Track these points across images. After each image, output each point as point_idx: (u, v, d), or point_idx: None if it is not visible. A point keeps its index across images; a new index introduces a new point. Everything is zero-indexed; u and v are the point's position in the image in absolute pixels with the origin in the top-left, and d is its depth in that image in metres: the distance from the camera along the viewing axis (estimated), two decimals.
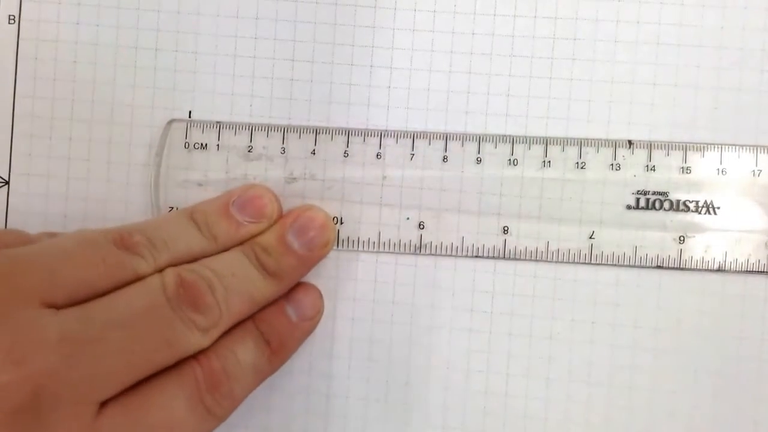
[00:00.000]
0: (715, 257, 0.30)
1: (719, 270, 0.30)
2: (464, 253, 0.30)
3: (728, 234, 0.30)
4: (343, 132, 0.31)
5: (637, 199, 0.30)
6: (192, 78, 0.31)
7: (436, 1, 0.31)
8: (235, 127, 0.31)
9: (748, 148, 0.30)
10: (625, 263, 0.30)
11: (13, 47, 0.32)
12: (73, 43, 0.32)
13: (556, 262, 0.30)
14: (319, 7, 0.31)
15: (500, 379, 0.30)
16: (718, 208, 0.30)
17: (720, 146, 0.30)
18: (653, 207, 0.30)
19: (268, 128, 0.31)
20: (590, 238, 0.30)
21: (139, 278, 0.25)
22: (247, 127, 0.31)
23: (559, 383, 0.30)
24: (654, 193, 0.30)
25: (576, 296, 0.30)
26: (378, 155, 0.31)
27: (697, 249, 0.30)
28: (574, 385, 0.30)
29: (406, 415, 0.31)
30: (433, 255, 0.30)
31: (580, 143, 0.30)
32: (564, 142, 0.30)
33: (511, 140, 0.30)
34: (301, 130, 0.31)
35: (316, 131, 0.31)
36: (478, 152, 0.30)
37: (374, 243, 0.31)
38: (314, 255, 0.29)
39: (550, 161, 0.30)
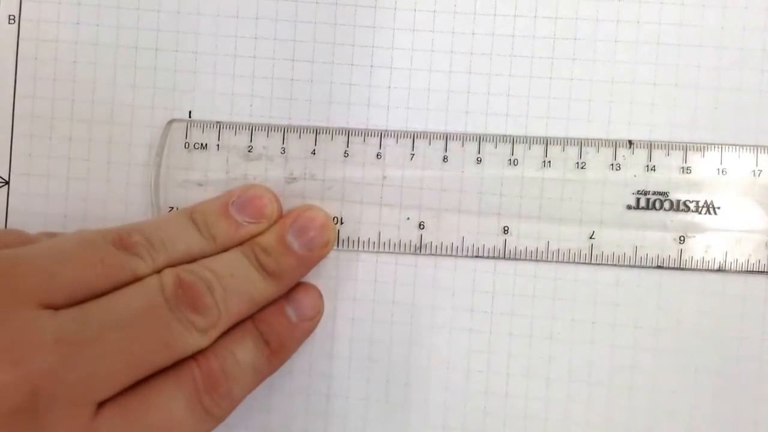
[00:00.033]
0: (715, 257, 0.30)
1: (719, 270, 0.30)
2: (464, 253, 0.30)
3: (728, 234, 0.30)
4: (344, 132, 0.31)
5: (638, 199, 0.30)
6: (192, 78, 0.31)
7: (436, 1, 0.31)
8: (235, 127, 0.31)
9: (748, 148, 0.30)
10: (626, 263, 0.30)
11: (13, 47, 0.32)
12: (73, 43, 0.31)
13: (556, 262, 0.30)
14: (319, 7, 0.31)
15: (500, 379, 0.30)
16: (719, 208, 0.30)
17: (720, 146, 0.30)
18: (653, 207, 0.30)
19: (269, 128, 0.31)
20: (590, 238, 0.30)
21: (137, 279, 0.25)
22: (247, 127, 0.31)
23: (559, 383, 0.30)
24: (654, 193, 0.30)
25: (576, 296, 0.30)
26: (378, 155, 0.30)
27: (698, 249, 0.30)
28: (574, 385, 0.30)
29: (406, 415, 0.30)
30: (433, 255, 0.30)
31: (581, 143, 0.30)
32: (564, 142, 0.30)
33: (512, 140, 0.30)
34: (301, 130, 0.31)
35: (317, 131, 0.31)
36: (479, 152, 0.30)
37: (374, 243, 0.30)
38: (314, 255, 0.29)
39: (550, 161, 0.30)
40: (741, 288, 0.30)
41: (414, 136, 0.30)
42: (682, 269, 0.30)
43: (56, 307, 0.24)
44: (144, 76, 0.31)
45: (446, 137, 0.30)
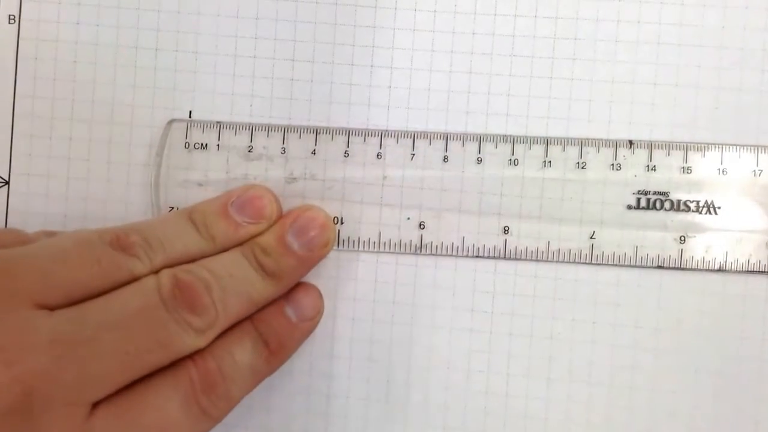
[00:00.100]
0: (715, 257, 0.29)
1: (720, 270, 0.29)
2: (465, 253, 0.30)
3: (729, 234, 0.29)
4: (344, 132, 0.30)
5: (638, 199, 0.30)
6: (192, 78, 0.31)
7: (436, 0, 0.30)
8: (235, 127, 0.31)
9: (748, 148, 0.29)
10: (626, 263, 0.30)
11: (13, 47, 0.31)
12: (73, 43, 0.31)
13: (556, 262, 0.30)
14: (319, 6, 0.31)
15: (501, 379, 0.30)
16: (719, 208, 0.29)
17: (721, 146, 0.30)
18: (654, 207, 0.30)
19: (269, 128, 0.31)
20: (591, 238, 0.30)
21: (134, 279, 0.25)
22: (247, 127, 0.31)
23: (559, 383, 0.30)
24: (655, 193, 0.30)
25: (577, 296, 0.30)
26: (378, 155, 0.30)
27: (698, 249, 0.29)
28: (574, 385, 0.30)
29: (407, 415, 0.30)
30: (433, 255, 0.30)
31: (581, 143, 0.30)
32: (565, 142, 0.30)
33: (512, 140, 0.30)
34: (301, 130, 0.30)
35: (317, 131, 0.30)
36: (479, 152, 0.30)
37: (375, 243, 0.30)
38: (314, 255, 0.28)
39: (550, 161, 0.30)
40: (741, 288, 0.29)
41: (414, 136, 0.30)
42: (683, 269, 0.29)
43: (52, 308, 0.23)
44: (144, 76, 0.31)
45: (447, 137, 0.30)
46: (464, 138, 0.30)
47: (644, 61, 0.30)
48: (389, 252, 0.30)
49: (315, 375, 0.30)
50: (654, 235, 0.29)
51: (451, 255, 0.30)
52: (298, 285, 0.29)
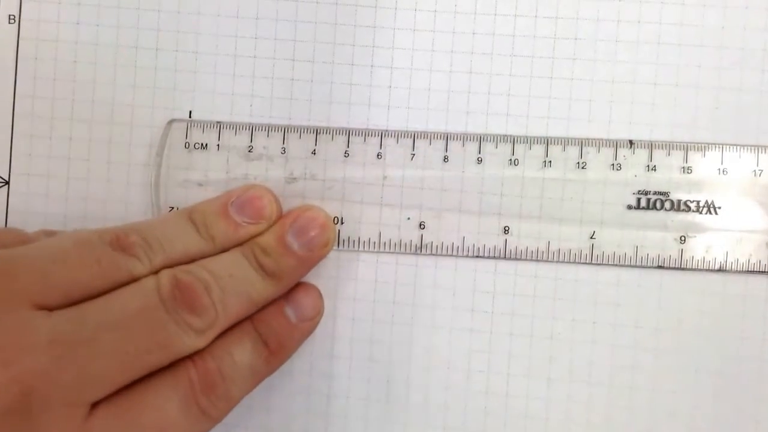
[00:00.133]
0: (716, 257, 0.29)
1: (720, 270, 0.29)
2: (465, 253, 0.30)
3: (729, 234, 0.29)
4: (344, 132, 0.30)
5: (638, 199, 0.29)
6: (192, 78, 0.31)
7: (436, 0, 0.30)
8: (235, 127, 0.30)
9: (749, 147, 0.29)
10: (626, 263, 0.29)
11: (13, 47, 0.31)
12: (73, 43, 0.31)
13: (557, 262, 0.30)
14: (319, 6, 0.31)
15: (501, 379, 0.30)
16: (719, 208, 0.29)
17: (721, 146, 0.29)
18: (654, 207, 0.29)
19: (269, 128, 0.30)
20: (591, 238, 0.30)
21: (134, 279, 0.25)
22: (247, 127, 0.30)
23: (560, 383, 0.30)
24: (655, 193, 0.29)
25: (577, 296, 0.30)
26: (379, 155, 0.30)
27: (698, 249, 0.29)
28: (575, 385, 0.30)
29: (407, 415, 0.30)
30: (433, 255, 0.30)
31: (581, 143, 0.30)
32: (565, 141, 0.30)
33: (512, 140, 0.30)
34: (301, 130, 0.30)
35: (317, 131, 0.30)
36: (479, 152, 0.30)
37: (375, 243, 0.30)
38: (314, 255, 0.28)
39: (550, 161, 0.30)
40: (742, 288, 0.29)
41: (414, 136, 0.30)
42: (683, 269, 0.29)
43: (51, 308, 0.23)
44: (144, 76, 0.31)
45: (447, 137, 0.30)
46: (464, 138, 0.30)
47: (644, 61, 0.30)
48: (389, 252, 0.30)
49: (315, 375, 0.30)
50: (654, 235, 0.29)
51: (452, 255, 0.30)
52: (298, 285, 0.29)
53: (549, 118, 0.30)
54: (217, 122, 0.31)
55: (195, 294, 0.25)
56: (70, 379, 0.23)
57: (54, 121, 0.31)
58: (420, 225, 0.30)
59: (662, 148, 0.29)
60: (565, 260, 0.30)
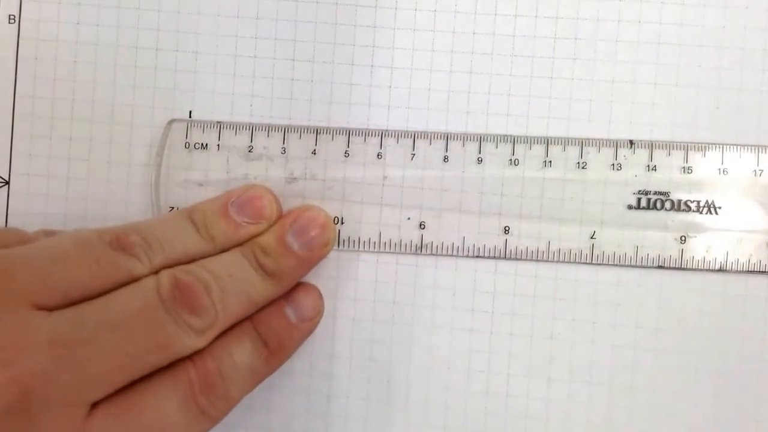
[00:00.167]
0: (716, 257, 0.29)
1: (720, 270, 0.29)
2: (465, 253, 0.30)
3: (729, 234, 0.29)
4: (344, 132, 0.30)
5: (639, 199, 0.29)
6: (192, 78, 0.31)
7: (437, 0, 0.30)
8: (235, 127, 0.30)
9: (749, 147, 0.29)
10: (627, 263, 0.29)
11: (13, 47, 0.31)
12: (73, 43, 0.31)
13: (557, 262, 0.30)
14: (319, 6, 0.30)
15: (501, 379, 0.30)
16: (720, 208, 0.29)
17: (721, 146, 0.29)
18: (654, 207, 0.29)
19: (269, 128, 0.30)
20: (591, 238, 0.29)
21: (134, 279, 0.25)
22: (247, 127, 0.30)
23: (560, 383, 0.30)
24: (655, 193, 0.29)
25: (577, 296, 0.30)
26: (379, 155, 0.30)
27: (699, 249, 0.29)
28: (575, 385, 0.30)
29: (407, 415, 0.30)
30: (434, 255, 0.30)
31: (581, 143, 0.30)
32: (565, 141, 0.30)
33: (512, 140, 0.30)
34: (301, 130, 0.30)
35: (317, 131, 0.30)
36: (479, 152, 0.30)
37: (375, 243, 0.30)
38: (314, 255, 0.28)
39: (551, 161, 0.30)
40: (742, 288, 0.29)
41: (415, 136, 0.30)
42: (683, 269, 0.29)
43: (51, 308, 0.23)
44: (144, 75, 0.31)
45: (447, 137, 0.30)
46: (465, 138, 0.30)
47: (645, 61, 0.30)
48: (389, 252, 0.30)
49: (315, 375, 0.30)
50: (654, 235, 0.29)
51: (452, 255, 0.30)
52: (298, 285, 0.29)
53: (549, 118, 0.30)
54: (218, 122, 0.30)
55: (195, 294, 0.25)
56: (69, 379, 0.23)
57: (54, 121, 0.31)
58: (420, 225, 0.30)
59: (662, 148, 0.29)
60: (566, 260, 0.29)
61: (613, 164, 0.29)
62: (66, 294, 0.24)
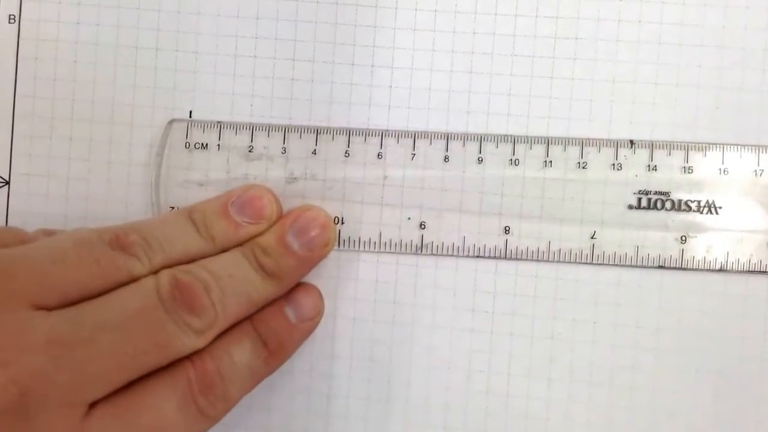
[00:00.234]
0: (716, 257, 0.29)
1: (721, 270, 0.29)
2: (465, 253, 0.29)
3: (730, 234, 0.29)
4: (344, 132, 0.30)
5: (639, 199, 0.29)
6: (192, 78, 0.31)
7: (437, 0, 0.30)
8: (235, 126, 0.30)
9: (750, 147, 0.29)
10: (627, 263, 0.29)
11: (13, 47, 0.31)
12: (74, 43, 0.31)
13: (557, 262, 0.29)
14: (320, 6, 0.30)
15: (502, 379, 0.30)
16: (720, 207, 0.29)
17: (722, 146, 0.29)
18: (655, 207, 0.29)
19: (269, 128, 0.30)
20: (592, 238, 0.29)
21: (133, 279, 0.24)
22: (247, 127, 0.30)
23: (560, 383, 0.29)
24: (656, 193, 0.29)
25: (577, 296, 0.29)
26: (379, 155, 0.30)
27: (699, 249, 0.29)
28: (575, 385, 0.29)
29: (408, 415, 0.30)
30: (434, 255, 0.30)
31: (582, 143, 0.29)
32: (565, 141, 0.29)
33: (513, 140, 0.29)
34: (302, 130, 0.30)
35: (317, 131, 0.30)
36: (480, 152, 0.30)
37: (375, 243, 0.30)
38: (314, 255, 0.28)
39: (551, 161, 0.29)
40: (742, 288, 0.29)
41: (415, 136, 0.30)
42: (684, 269, 0.29)
43: (50, 308, 0.23)
44: (144, 75, 0.31)
45: (447, 137, 0.30)
46: (465, 138, 0.30)
47: (645, 61, 0.29)
48: (390, 252, 0.30)
49: (316, 375, 0.30)
50: (655, 235, 0.29)
51: (452, 255, 0.30)
52: (299, 285, 0.29)
53: (550, 118, 0.30)
54: (218, 122, 0.30)
55: (194, 294, 0.25)
56: (67, 379, 0.22)
57: (54, 121, 0.31)
58: (420, 225, 0.30)
59: (663, 147, 0.29)
60: (566, 260, 0.29)
61: (613, 164, 0.29)
62: (65, 294, 0.23)
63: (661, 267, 0.29)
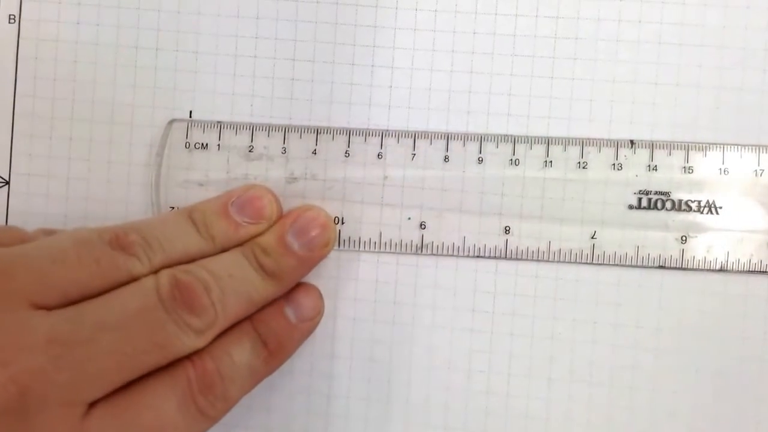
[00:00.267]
0: (717, 257, 0.29)
1: (721, 270, 0.29)
2: (466, 253, 0.29)
3: (730, 234, 0.29)
4: (344, 132, 0.30)
5: (639, 199, 0.29)
6: (193, 78, 0.30)
7: (437, 0, 0.30)
8: (235, 126, 0.30)
9: (750, 147, 0.29)
10: (627, 263, 0.29)
11: (13, 47, 0.31)
12: (74, 43, 0.31)
13: (557, 262, 0.29)
14: (320, 6, 0.30)
15: (502, 380, 0.30)
16: (720, 207, 0.29)
17: (722, 146, 0.29)
18: (655, 207, 0.29)
19: (269, 128, 0.30)
20: (592, 238, 0.29)
21: (133, 279, 0.24)
22: (248, 127, 0.30)
23: (560, 383, 0.29)
24: (656, 193, 0.29)
25: (578, 296, 0.29)
26: (379, 155, 0.30)
27: (699, 249, 0.29)
28: (575, 385, 0.29)
29: (408, 415, 0.30)
30: (434, 255, 0.30)
31: (582, 143, 0.29)
32: (566, 141, 0.29)
33: (513, 140, 0.29)
34: (302, 130, 0.30)
35: (317, 131, 0.30)
36: (480, 152, 0.29)
37: (375, 243, 0.30)
38: (314, 255, 0.28)
39: (551, 161, 0.29)
40: (743, 288, 0.29)
41: (415, 136, 0.30)
42: (684, 269, 0.29)
43: (49, 307, 0.23)
44: (144, 75, 0.30)
45: (447, 137, 0.30)
46: (465, 138, 0.29)
47: (645, 61, 0.29)
48: (390, 252, 0.30)
49: (316, 375, 0.30)
50: (655, 235, 0.29)
51: (452, 255, 0.29)
52: (299, 285, 0.29)
53: (550, 118, 0.29)
54: (218, 122, 0.30)
55: (194, 294, 0.24)
56: (67, 379, 0.22)
57: (54, 121, 0.31)
58: (421, 225, 0.29)
59: (663, 147, 0.29)
60: (566, 260, 0.29)
61: (613, 164, 0.29)
62: (65, 293, 0.23)
63: (661, 267, 0.29)
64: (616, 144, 0.29)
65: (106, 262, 0.24)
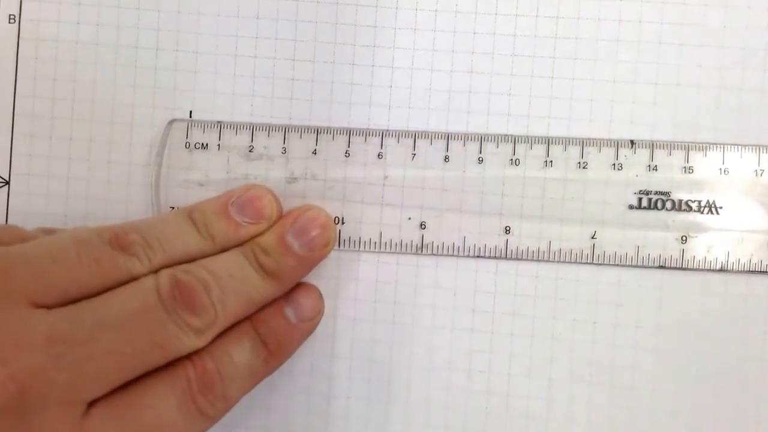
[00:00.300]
0: (717, 257, 0.29)
1: (721, 270, 0.29)
2: (466, 253, 0.29)
3: (731, 234, 0.29)
4: (345, 132, 0.30)
5: (639, 199, 0.29)
6: (193, 78, 0.30)
7: (437, 0, 0.30)
8: (236, 126, 0.30)
9: (750, 147, 0.29)
10: (627, 263, 0.29)
11: (13, 47, 0.31)
12: (74, 43, 0.31)
13: (557, 262, 0.29)
14: (320, 6, 0.30)
15: (502, 380, 0.29)
16: (721, 207, 0.29)
17: (722, 146, 0.29)
18: (655, 207, 0.29)
19: (269, 128, 0.30)
20: (592, 238, 0.29)
21: (133, 279, 0.24)
22: (248, 127, 0.30)
23: (560, 383, 0.29)
24: (656, 193, 0.29)
25: (578, 296, 0.29)
26: (379, 155, 0.30)
27: (700, 249, 0.29)
28: (575, 385, 0.29)
29: (408, 415, 0.30)
30: (434, 255, 0.29)
31: (582, 143, 0.29)
32: (566, 141, 0.29)
33: (513, 140, 0.29)
34: (302, 130, 0.30)
35: (318, 131, 0.30)
36: (480, 152, 0.29)
37: (375, 243, 0.30)
38: (314, 255, 0.28)
39: (552, 161, 0.29)
40: (743, 288, 0.29)
41: (415, 136, 0.29)
42: (684, 269, 0.29)
43: (49, 306, 0.23)
44: (144, 75, 0.30)
45: (448, 137, 0.29)
46: (465, 138, 0.29)
47: (646, 61, 0.29)
48: (390, 252, 0.30)
49: (316, 375, 0.30)
50: (655, 235, 0.29)
51: (452, 255, 0.29)
52: (299, 285, 0.28)
53: (550, 118, 0.29)
54: (218, 122, 0.30)
55: (194, 294, 0.24)
56: (66, 378, 0.22)
57: (54, 121, 0.31)
58: (421, 225, 0.29)
59: (663, 147, 0.29)
60: (566, 260, 0.29)
61: (614, 164, 0.29)
62: (65, 292, 0.23)
63: (661, 267, 0.29)
64: (617, 144, 0.29)
65: (106, 262, 0.24)
